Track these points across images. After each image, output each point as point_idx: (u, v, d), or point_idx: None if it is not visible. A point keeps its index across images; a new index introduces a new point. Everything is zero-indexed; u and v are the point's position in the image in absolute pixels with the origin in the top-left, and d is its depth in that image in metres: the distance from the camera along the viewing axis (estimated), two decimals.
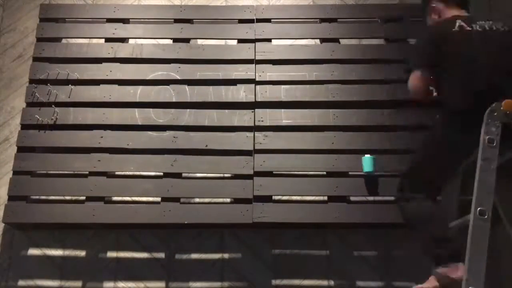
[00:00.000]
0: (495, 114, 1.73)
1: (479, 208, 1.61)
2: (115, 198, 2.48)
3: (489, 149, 1.69)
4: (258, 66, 2.64)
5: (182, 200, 2.42)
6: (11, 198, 2.42)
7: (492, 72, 1.88)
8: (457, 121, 1.89)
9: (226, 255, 2.42)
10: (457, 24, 2.01)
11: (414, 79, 2.10)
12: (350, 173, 2.45)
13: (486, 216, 1.60)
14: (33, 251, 2.45)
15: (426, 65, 2.07)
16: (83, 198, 2.42)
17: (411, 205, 1.99)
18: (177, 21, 2.78)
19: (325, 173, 2.45)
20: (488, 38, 1.96)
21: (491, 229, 1.62)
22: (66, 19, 2.81)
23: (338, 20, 2.77)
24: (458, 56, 1.96)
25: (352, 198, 2.43)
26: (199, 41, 2.80)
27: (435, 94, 2.12)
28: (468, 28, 1.99)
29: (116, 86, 2.62)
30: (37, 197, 2.48)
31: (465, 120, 1.85)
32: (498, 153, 1.69)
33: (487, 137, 1.70)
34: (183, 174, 2.47)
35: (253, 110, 2.55)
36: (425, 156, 2.03)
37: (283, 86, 2.60)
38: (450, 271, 1.79)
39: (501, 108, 1.73)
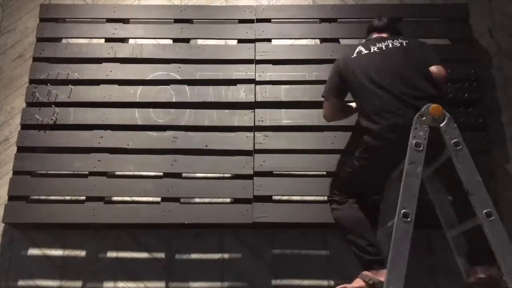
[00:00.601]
0: (423, 118, 1.75)
1: (403, 211, 1.63)
2: (115, 198, 2.48)
3: (415, 153, 1.71)
4: (258, 66, 2.64)
5: (182, 200, 2.42)
6: (11, 198, 2.42)
7: (391, 87, 1.94)
8: (376, 140, 1.95)
9: (226, 255, 2.41)
10: (357, 49, 2.14)
11: (324, 107, 2.26)
12: None
13: (409, 219, 1.62)
14: (33, 251, 2.44)
15: (334, 94, 2.19)
16: (83, 198, 2.43)
17: (341, 210, 2.11)
18: (177, 21, 2.78)
19: (325, 173, 2.45)
20: (384, 56, 2.04)
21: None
22: (66, 19, 2.82)
23: (338, 20, 2.77)
24: (356, 80, 2.05)
25: None
26: (199, 41, 2.80)
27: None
28: (365, 52, 2.09)
29: (116, 86, 2.63)
30: (37, 197, 2.48)
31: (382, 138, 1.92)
32: (424, 157, 1.71)
33: (414, 141, 1.72)
34: (183, 174, 2.47)
35: (253, 110, 2.55)
36: (354, 171, 2.10)
37: (283, 86, 2.60)
38: (375, 273, 1.87)
39: (429, 112, 1.75)
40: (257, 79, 2.62)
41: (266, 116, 2.54)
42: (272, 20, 2.77)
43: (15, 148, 2.53)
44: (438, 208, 1.99)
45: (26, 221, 2.40)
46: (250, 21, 2.76)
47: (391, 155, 1.91)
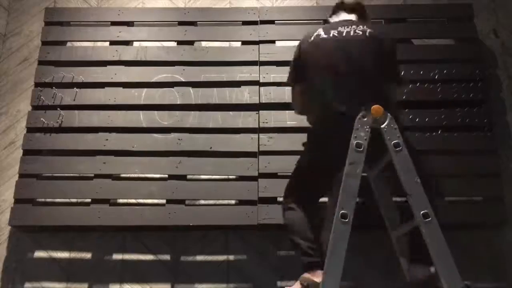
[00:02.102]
0: (365, 119, 1.73)
1: (341, 211, 1.62)
2: (120, 201, 2.49)
3: (356, 153, 1.70)
4: (262, 67, 2.64)
5: (187, 202, 2.42)
6: (17, 201, 2.43)
7: (348, 78, 1.87)
8: (323, 134, 1.91)
9: (231, 257, 2.41)
10: (316, 32, 2.01)
11: (292, 97, 2.15)
12: None
13: (347, 220, 1.61)
14: (39, 254, 2.45)
15: (296, 80, 2.08)
16: (89, 200, 2.43)
17: (289, 213, 2.05)
18: (181, 23, 2.78)
19: None
20: (343, 44, 1.93)
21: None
22: (71, 23, 2.83)
23: None
24: (312, 65, 1.96)
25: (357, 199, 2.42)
26: (203, 43, 2.81)
27: None
28: (324, 36, 1.97)
29: (120, 89, 2.63)
30: (43, 199, 2.49)
31: (330, 131, 1.86)
32: (364, 158, 1.69)
33: (355, 141, 1.70)
34: (188, 176, 2.47)
35: (257, 112, 2.55)
36: (301, 169, 2.07)
37: (287, 88, 2.59)
38: (313, 275, 1.83)
39: (370, 113, 1.73)
40: (261, 80, 2.62)
41: (271, 118, 2.54)
42: (275, 21, 2.77)
43: (20, 151, 2.54)
44: (383, 209, 1.99)
45: (32, 223, 2.41)
46: (254, 23, 2.76)
47: (336, 147, 1.81)
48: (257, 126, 2.52)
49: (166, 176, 2.47)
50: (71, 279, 2.39)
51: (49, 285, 2.39)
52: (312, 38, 2.01)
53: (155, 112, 2.58)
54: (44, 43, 2.76)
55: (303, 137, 2.49)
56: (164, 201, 2.42)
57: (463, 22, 2.76)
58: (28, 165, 2.49)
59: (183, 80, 2.64)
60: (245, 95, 2.59)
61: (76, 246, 2.45)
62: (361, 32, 1.96)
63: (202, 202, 2.46)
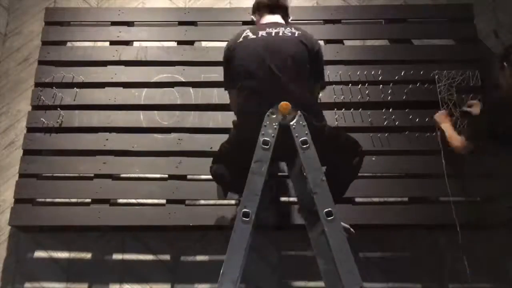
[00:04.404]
0: (274, 116, 1.72)
1: (243, 210, 1.60)
2: (120, 201, 2.49)
3: (262, 151, 1.68)
4: None
5: (187, 202, 2.42)
6: (17, 201, 2.43)
7: (273, 78, 1.83)
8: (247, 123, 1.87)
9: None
10: (243, 34, 1.98)
11: (230, 101, 2.12)
12: None
13: (249, 218, 1.59)
14: (39, 254, 2.45)
15: (230, 86, 2.04)
16: (89, 200, 2.43)
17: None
18: (181, 23, 2.78)
19: None
20: (269, 44, 1.90)
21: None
22: (71, 23, 2.83)
23: (342, 21, 2.77)
24: (241, 67, 1.92)
25: (357, 199, 2.42)
26: (203, 43, 2.81)
27: None
28: (253, 36, 1.95)
29: (121, 89, 2.63)
30: (43, 199, 2.48)
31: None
32: (270, 156, 1.67)
33: (262, 139, 1.69)
34: (188, 176, 2.47)
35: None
36: (228, 151, 2.02)
37: None
38: None
39: (279, 110, 1.71)
40: None
41: None
42: None
43: (21, 151, 2.54)
44: (302, 208, 1.94)
45: (32, 223, 2.41)
46: (254, 23, 2.74)
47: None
48: None
49: (166, 176, 2.47)
50: (71, 279, 2.39)
51: (49, 285, 2.39)
52: (241, 39, 1.98)
53: (155, 112, 2.58)
54: (44, 43, 2.76)
55: None
56: (164, 201, 2.42)
57: (463, 22, 2.76)
58: (28, 165, 2.49)
59: (183, 80, 2.64)
60: None
61: (76, 246, 2.45)
62: (289, 34, 1.94)
63: (202, 202, 2.46)
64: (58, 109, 2.58)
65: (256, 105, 1.81)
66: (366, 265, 2.38)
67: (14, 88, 2.81)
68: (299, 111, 1.73)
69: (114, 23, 2.79)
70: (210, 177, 2.44)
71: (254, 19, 2.17)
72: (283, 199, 2.44)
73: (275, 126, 1.71)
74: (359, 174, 2.41)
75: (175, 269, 2.40)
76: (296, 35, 1.94)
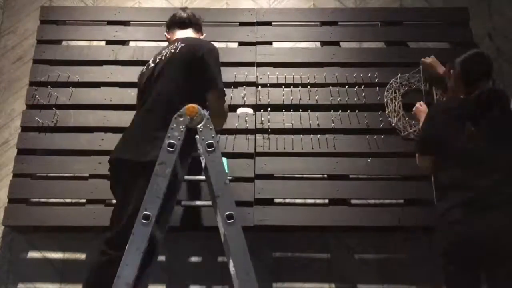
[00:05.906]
0: (181, 119, 1.72)
1: (144, 212, 1.58)
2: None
3: (167, 153, 1.67)
4: (259, 68, 2.64)
5: (183, 203, 2.41)
6: (11, 200, 2.41)
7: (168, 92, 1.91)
8: None
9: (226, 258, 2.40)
10: (151, 60, 2.09)
11: None
12: (351, 176, 2.46)
13: (149, 221, 1.58)
14: (33, 254, 2.43)
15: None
16: (84, 200, 2.42)
17: None
18: None
19: (326, 176, 2.45)
20: (150, 70, 2.02)
21: None
22: (67, 22, 2.81)
23: (339, 23, 2.78)
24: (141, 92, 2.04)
25: (353, 201, 2.43)
26: None
27: None
28: (152, 65, 2.04)
29: (117, 89, 2.62)
30: (37, 199, 2.47)
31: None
32: (176, 159, 1.67)
33: (168, 141, 1.68)
34: (185, 177, 2.46)
35: (254, 113, 2.55)
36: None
37: (284, 89, 2.60)
38: None
39: (185, 113, 1.72)
40: (258, 81, 2.62)
41: (267, 119, 2.54)
42: (273, 23, 2.77)
43: (15, 151, 2.52)
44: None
45: (26, 223, 2.39)
46: (251, 24, 2.76)
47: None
48: (253, 127, 2.52)
49: None
50: (65, 280, 2.37)
51: (42, 286, 2.37)
52: (145, 69, 2.10)
53: None
54: (40, 41, 2.74)
55: (300, 138, 2.50)
56: None
57: (458, 26, 2.78)
58: (23, 164, 2.47)
59: None
60: (242, 96, 2.59)
61: (70, 247, 2.43)
62: (173, 50, 1.98)
63: (198, 203, 2.45)
64: (53, 108, 2.56)
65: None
66: (362, 266, 2.39)
67: (8, 87, 2.79)
68: (206, 114, 1.73)
69: (110, 23, 2.78)
70: (201, 177, 2.44)
71: (168, 37, 2.25)
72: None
73: (181, 129, 1.70)
74: (355, 176, 2.44)
75: (170, 270, 2.39)
76: (178, 50, 1.98)
